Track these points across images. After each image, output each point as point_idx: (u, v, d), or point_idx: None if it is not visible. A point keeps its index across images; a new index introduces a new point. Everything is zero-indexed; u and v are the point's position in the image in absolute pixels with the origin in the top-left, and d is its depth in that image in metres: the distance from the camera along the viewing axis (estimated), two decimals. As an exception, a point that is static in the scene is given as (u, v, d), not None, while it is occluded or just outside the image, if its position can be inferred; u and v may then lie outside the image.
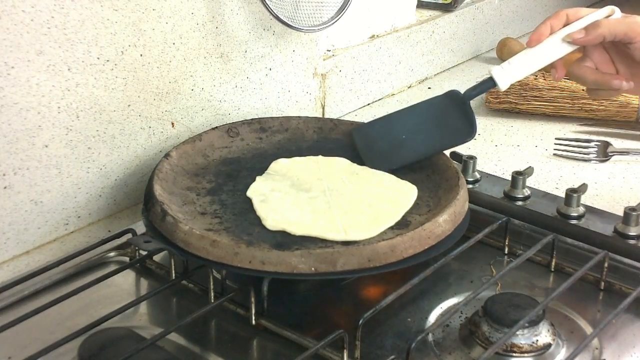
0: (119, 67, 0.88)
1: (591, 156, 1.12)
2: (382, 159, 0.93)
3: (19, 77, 0.78)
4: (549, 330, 0.73)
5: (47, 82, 0.81)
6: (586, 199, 0.91)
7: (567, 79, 1.16)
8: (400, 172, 0.91)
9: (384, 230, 0.79)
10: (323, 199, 0.84)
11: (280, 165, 0.92)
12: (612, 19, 0.86)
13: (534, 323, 0.72)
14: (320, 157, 0.94)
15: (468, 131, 0.90)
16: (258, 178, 0.89)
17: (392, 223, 0.80)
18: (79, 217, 0.89)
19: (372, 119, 1.01)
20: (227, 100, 1.03)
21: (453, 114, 0.92)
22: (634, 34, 0.83)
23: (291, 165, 0.92)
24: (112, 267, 0.84)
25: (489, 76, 0.89)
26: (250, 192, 0.86)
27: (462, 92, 0.92)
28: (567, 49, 0.87)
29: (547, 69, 0.90)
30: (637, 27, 0.84)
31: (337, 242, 0.76)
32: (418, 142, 0.92)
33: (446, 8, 1.47)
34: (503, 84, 0.88)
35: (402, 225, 0.80)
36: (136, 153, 0.93)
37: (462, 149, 0.98)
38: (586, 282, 0.83)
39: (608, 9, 0.87)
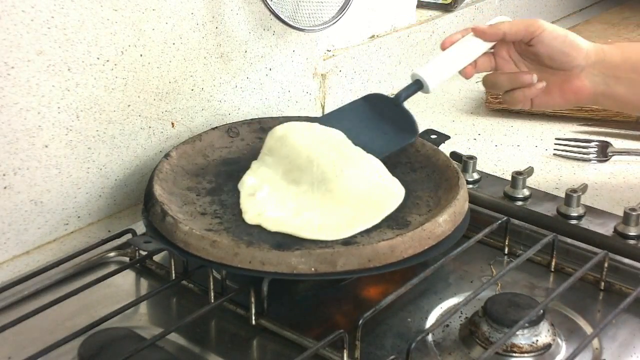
0: (119, 67, 0.88)
1: (591, 156, 1.12)
2: None
3: (19, 77, 0.78)
4: (549, 331, 0.73)
5: (47, 82, 0.81)
6: (586, 199, 0.91)
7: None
8: (399, 171, 0.91)
9: (383, 231, 0.79)
10: (310, 196, 0.84)
11: (274, 140, 0.90)
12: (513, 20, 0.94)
13: (534, 323, 0.72)
14: (316, 124, 0.92)
15: (411, 132, 0.90)
16: (253, 164, 0.89)
17: (367, 226, 0.79)
18: (79, 217, 0.89)
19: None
20: (227, 100, 1.03)
21: (388, 117, 0.91)
22: (533, 28, 0.90)
23: (287, 138, 0.89)
24: (112, 267, 0.84)
25: (416, 78, 0.90)
26: (240, 185, 0.86)
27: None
28: (479, 48, 0.92)
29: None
30: (534, 22, 0.90)
31: (337, 242, 0.76)
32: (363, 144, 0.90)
33: (446, 8, 1.47)
34: (431, 84, 0.89)
35: (402, 225, 0.80)
36: (136, 153, 0.93)
37: (462, 149, 0.98)
38: (586, 282, 0.83)
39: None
